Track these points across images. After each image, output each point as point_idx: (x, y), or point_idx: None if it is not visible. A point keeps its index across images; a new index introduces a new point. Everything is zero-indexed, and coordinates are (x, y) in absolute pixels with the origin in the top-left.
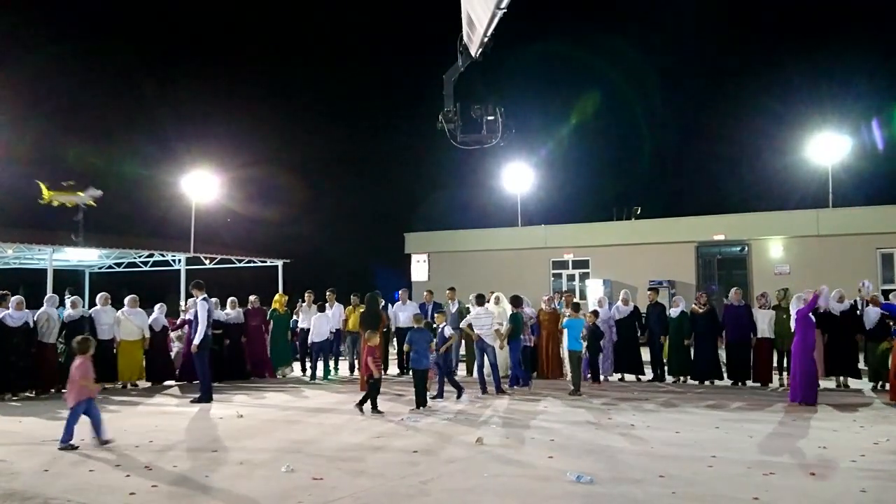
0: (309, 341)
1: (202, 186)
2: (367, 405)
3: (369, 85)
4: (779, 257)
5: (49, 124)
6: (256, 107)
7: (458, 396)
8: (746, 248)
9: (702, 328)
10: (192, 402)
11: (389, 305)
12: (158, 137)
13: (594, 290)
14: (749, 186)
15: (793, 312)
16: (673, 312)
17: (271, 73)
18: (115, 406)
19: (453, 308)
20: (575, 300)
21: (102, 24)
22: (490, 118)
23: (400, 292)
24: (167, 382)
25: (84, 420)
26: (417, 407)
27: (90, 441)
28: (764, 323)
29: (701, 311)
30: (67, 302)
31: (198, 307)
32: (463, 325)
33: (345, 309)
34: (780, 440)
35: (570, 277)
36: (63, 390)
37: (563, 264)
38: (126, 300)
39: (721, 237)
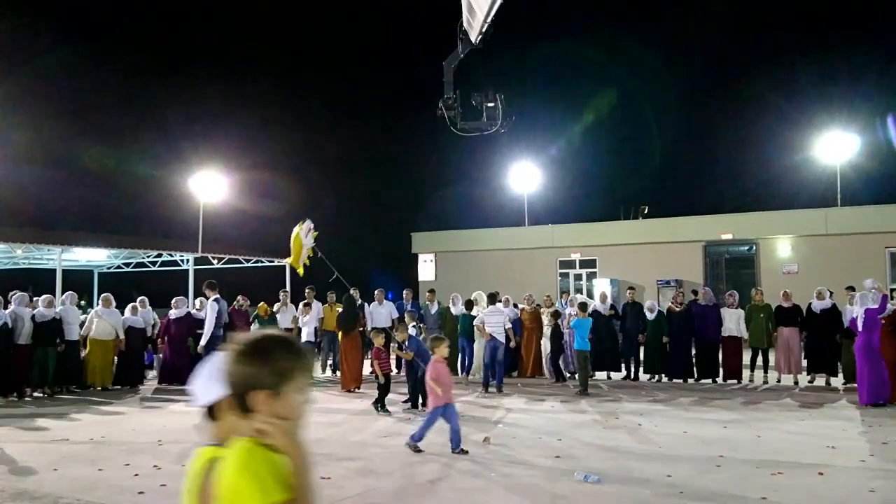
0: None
1: (210, 186)
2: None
3: (375, 84)
4: (787, 256)
5: (58, 125)
6: (263, 107)
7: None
8: (754, 248)
9: (678, 327)
10: None
11: (366, 305)
12: (167, 138)
13: (601, 290)
14: (757, 185)
15: (861, 312)
16: (649, 312)
17: (278, 73)
18: (119, 406)
19: (433, 310)
20: (582, 300)
21: (111, 26)
22: (490, 105)
23: (376, 292)
24: (144, 385)
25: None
26: (425, 405)
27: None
28: (731, 322)
29: (678, 310)
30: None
31: (208, 307)
32: (476, 322)
33: (322, 308)
34: (788, 440)
35: (578, 277)
36: (35, 393)
37: (570, 264)
38: (100, 299)
39: (729, 236)
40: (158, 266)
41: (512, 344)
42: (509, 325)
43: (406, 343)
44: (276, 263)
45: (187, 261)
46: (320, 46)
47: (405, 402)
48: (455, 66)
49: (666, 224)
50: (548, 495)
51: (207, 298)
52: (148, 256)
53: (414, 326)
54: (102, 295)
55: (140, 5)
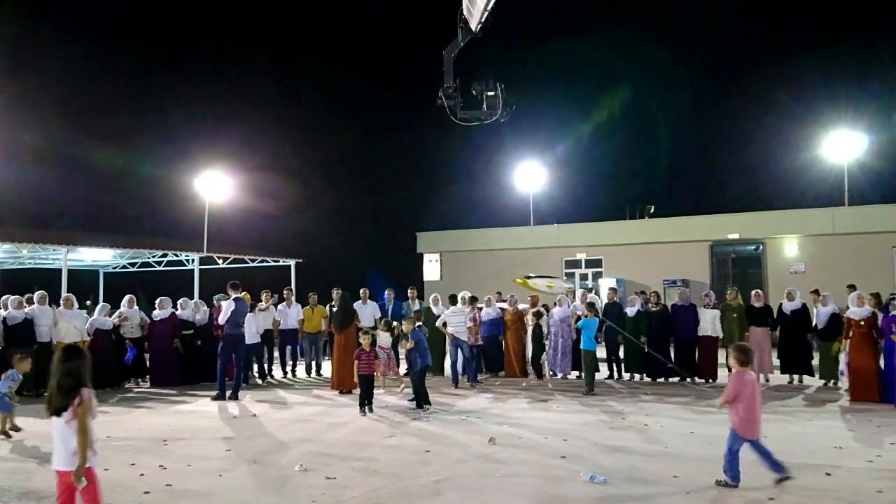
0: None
1: (215, 186)
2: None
3: (381, 85)
4: (794, 256)
5: (63, 125)
6: (269, 107)
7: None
8: (761, 247)
9: (655, 326)
10: (212, 399)
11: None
12: (172, 138)
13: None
14: (763, 185)
15: None
16: (629, 312)
17: (284, 73)
18: (123, 406)
19: (414, 308)
20: (589, 300)
21: (116, 26)
22: (490, 94)
23: (361, 291)
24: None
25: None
26: (429, 404)
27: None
28: (707, 322)
29: (654, 309)
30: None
31: (224, 305)
32: (438, 323)
33: (302, 309)
34: (795, 440)
35: (584, 277)
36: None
37: (575, 263)
38: (61, 299)
39: (735, 236)
40: (164, 266)
41: (471, 341)
42: (470, 325)
43: (410, 336)
44: (280, 263)
45: (192, 260)
46: (324, 45)
47: (410, 401)
48: (455, 55)
49: (672, 224)
50: (553, 496)
51: (229, 297)
52: (153, 256)
53: (419, 327)
54: (63, 296)
55: (145, 5)
